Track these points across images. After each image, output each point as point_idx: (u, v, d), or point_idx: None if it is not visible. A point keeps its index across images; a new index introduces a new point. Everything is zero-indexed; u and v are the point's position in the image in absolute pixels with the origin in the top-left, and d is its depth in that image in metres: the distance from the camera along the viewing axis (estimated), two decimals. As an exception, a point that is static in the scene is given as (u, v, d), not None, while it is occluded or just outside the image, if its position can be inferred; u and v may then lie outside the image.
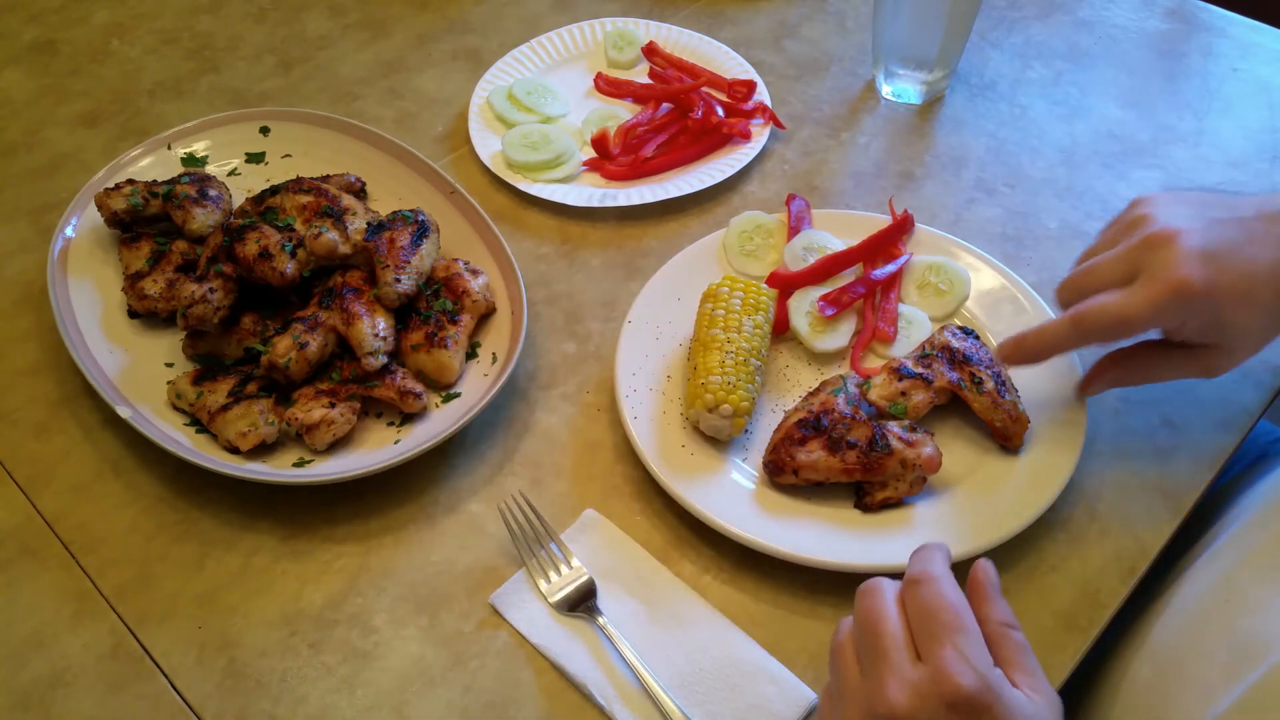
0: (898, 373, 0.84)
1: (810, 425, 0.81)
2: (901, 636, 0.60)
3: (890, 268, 0.95)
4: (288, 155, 1.06)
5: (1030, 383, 0.86)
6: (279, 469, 0.83)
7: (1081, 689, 0.81)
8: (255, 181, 1.03)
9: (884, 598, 0.61)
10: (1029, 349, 0.80)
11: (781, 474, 0.80)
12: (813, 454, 0.79)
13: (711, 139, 1.09)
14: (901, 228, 0.98)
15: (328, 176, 1.00)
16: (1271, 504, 0.83)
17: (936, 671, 0.57)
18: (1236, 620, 0.73)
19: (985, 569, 0.63)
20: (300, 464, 0.83)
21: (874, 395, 0.84)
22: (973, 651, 0.57)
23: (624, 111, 1.13)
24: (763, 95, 1.13)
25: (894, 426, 0.81)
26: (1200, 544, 0.83)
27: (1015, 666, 0.59)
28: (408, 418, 0.87)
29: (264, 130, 1.07)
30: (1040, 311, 0.91)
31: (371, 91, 1.18)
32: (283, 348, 0.85)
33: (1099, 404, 0.88)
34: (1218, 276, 0.72)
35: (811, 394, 0.85)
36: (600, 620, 0.75)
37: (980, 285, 0.94)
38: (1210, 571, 0.79)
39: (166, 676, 0.75)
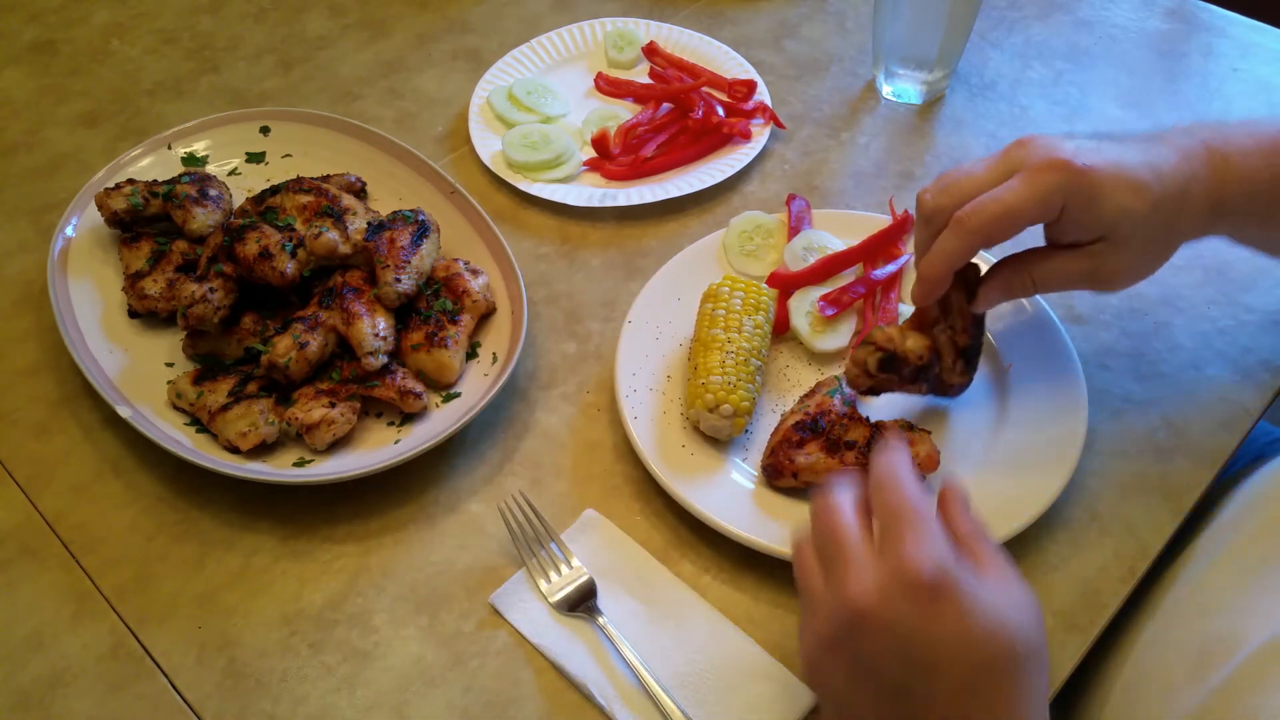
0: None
1: (807, 427, 0.81)
2: (859, 534, 0.61)
3: (890, 268, 0.95)
4: (288, 155, 1.06)
5: (1030, 383, 0.86)
6: (279, 469, 0.83)
7: (1081, 689, 0.81)
8: (255, 181, 1.03)
9: (836, 497, 0.63)
10: (927, 277, 0.76)
11: (780, 477, 0.80)
12: (811, 456, 0.79)
13: (711, 139, 1.09)
14: (902, 228, 0.98)
15: (328, 176, 1.00)
16: (1245, 505, 0.83)
17: (897, 562, 0.57)
18: (1205, 621, 0.73)
19: (953, 485, 0.65)
20: (300, 464, 0.83)
21: (910, 345, 0.81)
22: (932, 543, 0.58)
23: (624, 111, 1.13)
24: (763, 95, 1.13)
25: (892, 426, 0.81)
26: (1182, 545, 0.84)
27: (986, 565, 0.60)
28: (408, 418, 0.87)
29: (264, 130, 1.07)
30: (1040, 311, 0.91)
31: (371, 91, 1.18)
32: (283, 347, 0.85)
33: (1099, 404, 0.88)
34: (1094, 159, 0.71)
35: (807, 395, 0.85)
36: (600, 620, 0.75)
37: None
38: (1186, 572, 0.80)
39: (166, 676, 0.75)
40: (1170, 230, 0.75)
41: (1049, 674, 0.62)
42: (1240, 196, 0.75)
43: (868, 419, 0.81)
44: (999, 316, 0.92)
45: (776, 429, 0.83)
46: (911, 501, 0.60)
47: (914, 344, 0.80)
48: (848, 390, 0.84)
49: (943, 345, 0.81)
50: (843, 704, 0.62)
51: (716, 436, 0.84)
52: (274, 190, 0.96)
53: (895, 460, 0.63)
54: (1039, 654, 0.60)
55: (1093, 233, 0.74)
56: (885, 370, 0.80)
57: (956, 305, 0.80)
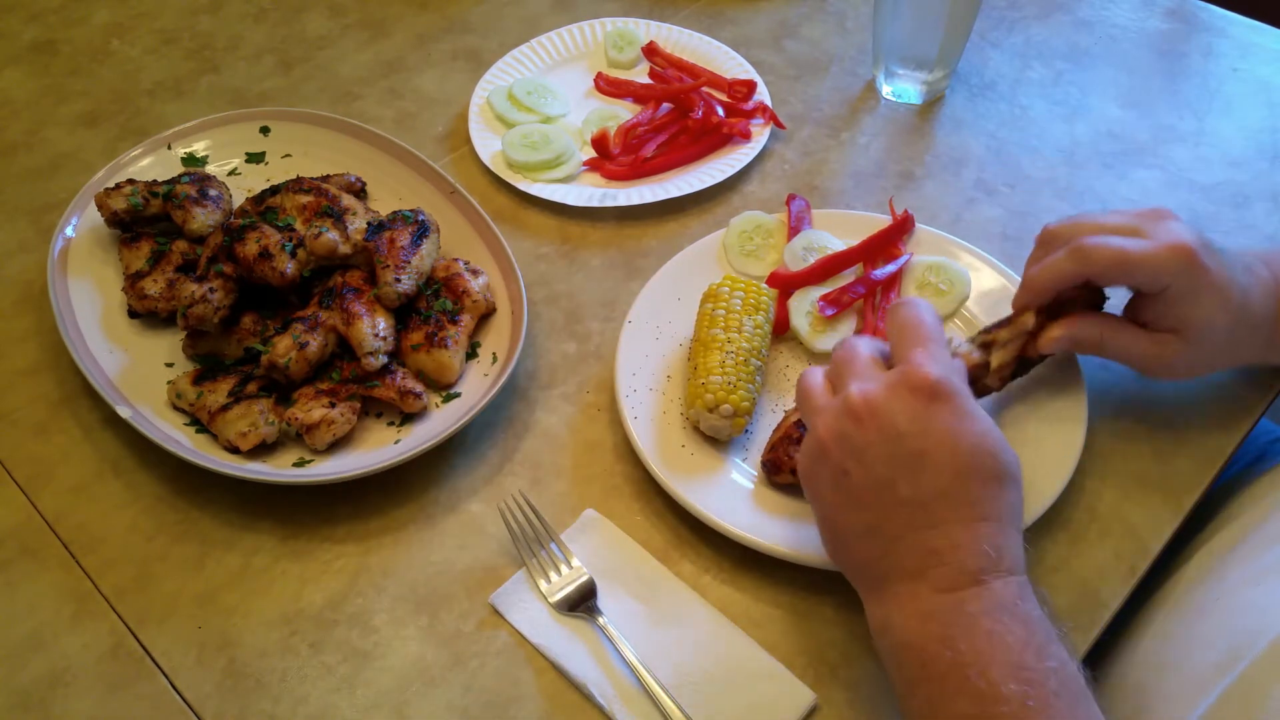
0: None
1: None
2: (871, 358, 0.69)
3: (890, 268, 0.95)
4: (288, 155, 1.06)
5: (1030, 383, 0.86)
6: (279, 469, 0.83)
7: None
8: (255, 181, 1.03)
9: (856, 340, 0.71)
10: (1032, 285, 0.80)
11: (779, 473, 0.80)
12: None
13: (711, 139, 1.09)
14: (901, 228, 0.98)
15: (328, 176, 1.00)
16: (1256, 506, 0.83)
17: (904, 366, 0.66)
18: (1222, 621, 0.73)
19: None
20: (300, 464, 0.83)
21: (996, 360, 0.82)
22: (941, 357, 0.67)
23: (624, 111, 1.13)
24: (763, 95, 1.13)
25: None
26: (1193, 544, 0.84)
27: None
28: (408, 418, 0.87)
29: (264, 130, 1.07)
30: (1040, 311, 0.91)
31: (371, 91, 1.18)
32: (283, 348, 0.85)
33: (1099, 404, 0.88)
34: (1210, 261, 0.75)
35: None
36: (600, 620, 0.75)
37: (980, 285, 0.94)
38: (1197, 573, 0.80)
39: (166, 676, 0.75)
40: (1233, 351, 0.82)
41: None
42: None
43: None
44: (999, 316, 0.92)
45: (779, 425, 0.83)
46: (927, 324, 0.69)
47: (998, 360, 0.81)
48: None
49: (1006, 355, 0.81)
50: (829, 509, 0.69)
51: (716, 436, 0.84)
52: (274, 190, 0.96)
53: (917, 301, 0.71)
54: (1019, 483, 0.66)
55: (1171, 323, 0.78)
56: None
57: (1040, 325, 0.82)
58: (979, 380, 0.81)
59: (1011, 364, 0.81)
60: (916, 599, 0.63)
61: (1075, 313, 0.80)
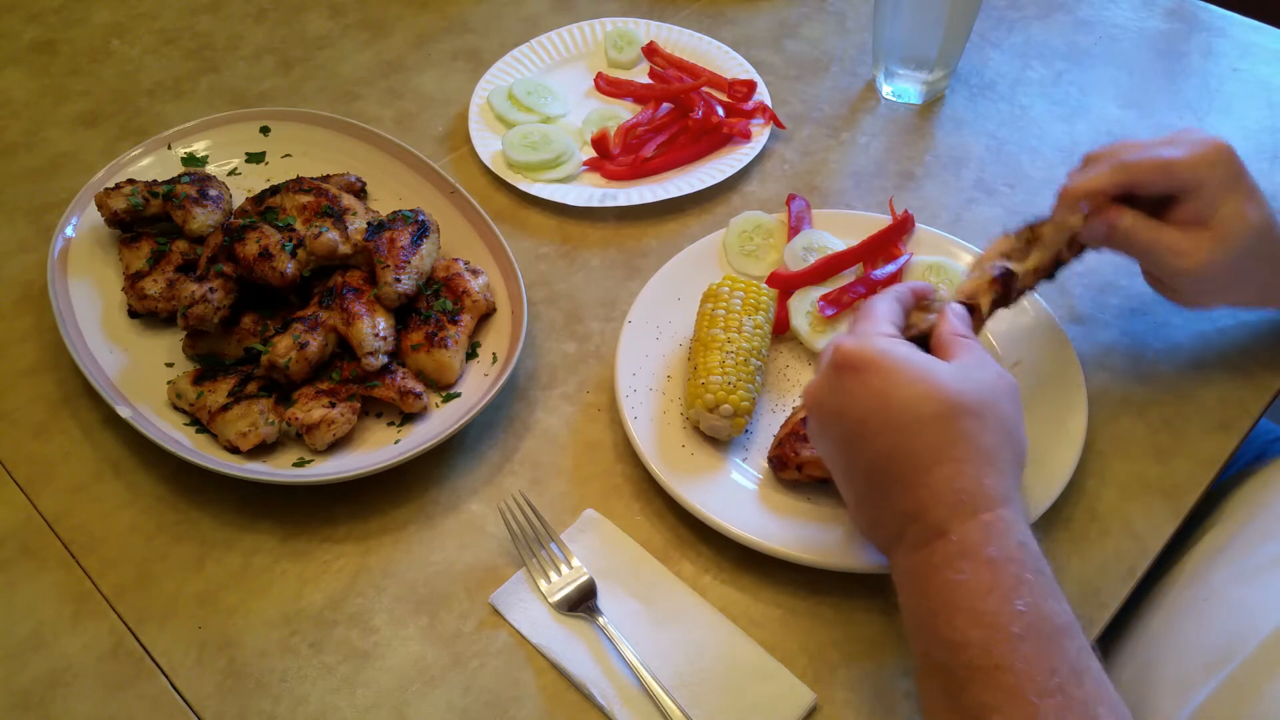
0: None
1: None
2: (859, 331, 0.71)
3: (890, 268, 0.95)
4: (288, 155, 1.06)
5: (1030, 383, 0.86)
6: (279, 469, 0.83)
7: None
8: (255, 181, 1.03)
9: (867, 307, 0.73)
10: (1069, 193, 0.81)
11: (785, 469, 0.80)
12: (817, 451, 0.79)
13: (711, 139, 1.09)
14: (901, 228, 0.98)
15: (328, 176, 1.00)
16: (1245, 505, 0.83)
17: (831, 347, 0.68)
18: (1210, 621, 0.73)
19: (954, 309, 0.74)
20: (300, 464, 0.83)
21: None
22: (866, 329, 0.69)
23: (624, 111, 1.13)
24: (763, 95, 1.13)
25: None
26: (1187, 544, 0.84)
27: (957, 356, 0.68)
28: (408, 418, 0.87)
29: (264, 130, 1.07)
30: (1040, 311, 0.91)
31: (371, 91, 1.18)
32: (283, 347, 0.85)
33: (1099, 404, 0.88)
34: (1242, 170, 0.80)
35: None
36: (600, 620, 0.75)
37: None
38: (1187, 573, 0.80)
39: (166, 676, 0.75)
40: (1253, 267, 0.81)
41: (1023, 456, 0.67)
42: None
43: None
44: (1000, 317, 0.92)
45: (786, 422, 0.83)
46: (873, 306, 0.71)
47: (1032, 263, 0.81)
48: None
49: (1044, 257, 0.82)
50: (840, 488, 0.71)
51: (716, 436, 0.84)
52: (274, 190, 0.96)
53: (886, 290, 0.75)
54: (985, 409, 0.64)
55: (1206, 217, 0.79)
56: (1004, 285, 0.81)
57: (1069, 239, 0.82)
58: (1010, 283, 0.81)
59: (1049, 265, 0.82)
60: (900, 561, 0.65)
61: (1112, 204, 0.81)
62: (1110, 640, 0.80)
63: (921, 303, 0.77)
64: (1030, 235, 0.82)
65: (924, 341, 0.73)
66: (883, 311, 0.71)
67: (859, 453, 0.66)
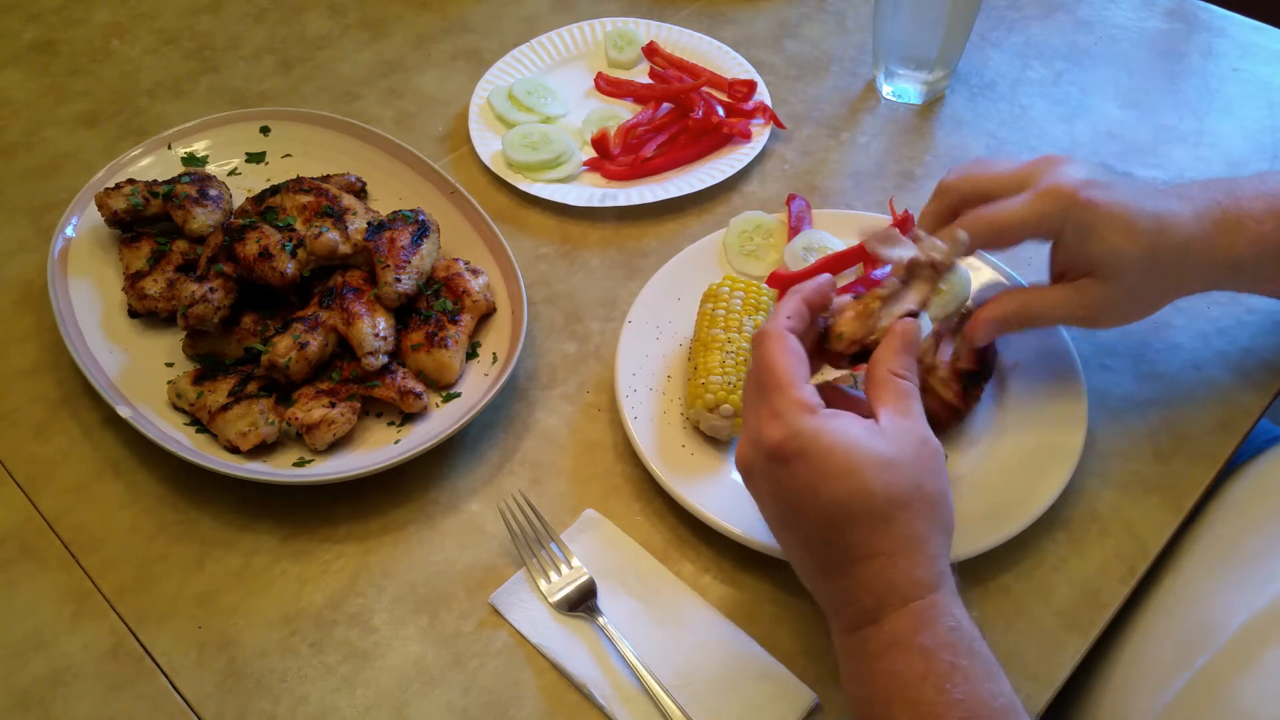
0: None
1: None
2: (758, 396, 0.67)
3: (890, 267, 0.95)
4: (288, 155, 1.06)
5: (1030, 383, 0.86)
6: (279, 469, 0.83)
7: (1082, 689, 0.81)
8: (255, 181, 1.03)
9: (760, 368, 0.68)
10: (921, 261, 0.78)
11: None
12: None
13: (712, 139, 1.09)
14: (902, 228, 0.98)
15: (328, 176, 1.00)
16: (1224, 501, 0.83)
17: (755, 428, 0.65)
18: (1188, 612, 0.73)
19: (907, 326, 0.70)
20: (300, 464, 0.83)
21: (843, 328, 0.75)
22: (784, 406, 0.64)
23: (624, 111, 1.13)
24: (763, 95, 1.13)
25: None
26: (1179, 542, 0.84)
27: (889, 406, 0.66)
28: (408, 418, 0.87)
29: (264, 130, 1.07)
30: (1040, 311, 0.91)
31: (371, 91, 1.18)
32: (283, 347, 0.85)
33: (1099, 404, 0.88)
34: (1098, 194, 0.74)
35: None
36: (600, 620, 0.75)
37: (980, 285, 0.94)
38: (1173, 569, 0.80)
39: (166, 676, 0.75)
40: (1164, 281, 0.78)
41: (950, 527, 0.66)
42: (1251, 259, 0.77)
43: (871, 419, 0.81)
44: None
45: None
46: (770, 363, 0.66)
47: (846, 328, 0.74)
48: (861, 389, 0.84)
49: (940, 376, 0.82)
50: (763, 515, 0.70)
51: (717, 436, 0.84)
52: (274, 190, 0.96)
53: (781, 310, 0.69)
54: (912, 497, 0.63)
55: (1082, 267, 0.76)
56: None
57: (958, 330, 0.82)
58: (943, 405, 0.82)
59: (955, 381, 0.82)
60: (836, 637, 0.66)
61: (999, 298, 0.79)
62: (1106, 642, 0.80)
63: (820, 307, 0.72)
64: (904, 277, 0.76)
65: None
66: (792, 371, 0.65)
67: (792, 532, 0.66)
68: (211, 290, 0.87)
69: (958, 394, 0.82)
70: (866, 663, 0.62)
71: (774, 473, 0.64)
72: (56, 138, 1.12)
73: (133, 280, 0.92)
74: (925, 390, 0.82)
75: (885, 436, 0.64)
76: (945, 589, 0.63)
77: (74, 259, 0.95)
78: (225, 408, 0.84)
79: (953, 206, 0.79)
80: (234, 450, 0.83)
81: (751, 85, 1.14)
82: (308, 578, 0.79)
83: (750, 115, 1.11)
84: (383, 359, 0.86)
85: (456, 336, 0.89)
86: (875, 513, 0.62)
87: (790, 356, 0.66)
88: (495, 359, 0.90)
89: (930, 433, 0.65)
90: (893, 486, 0.62)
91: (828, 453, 0.62)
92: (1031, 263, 1.00)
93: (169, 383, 0.87)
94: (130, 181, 0.97)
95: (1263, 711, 0.63)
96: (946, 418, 0.83)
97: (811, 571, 0.66)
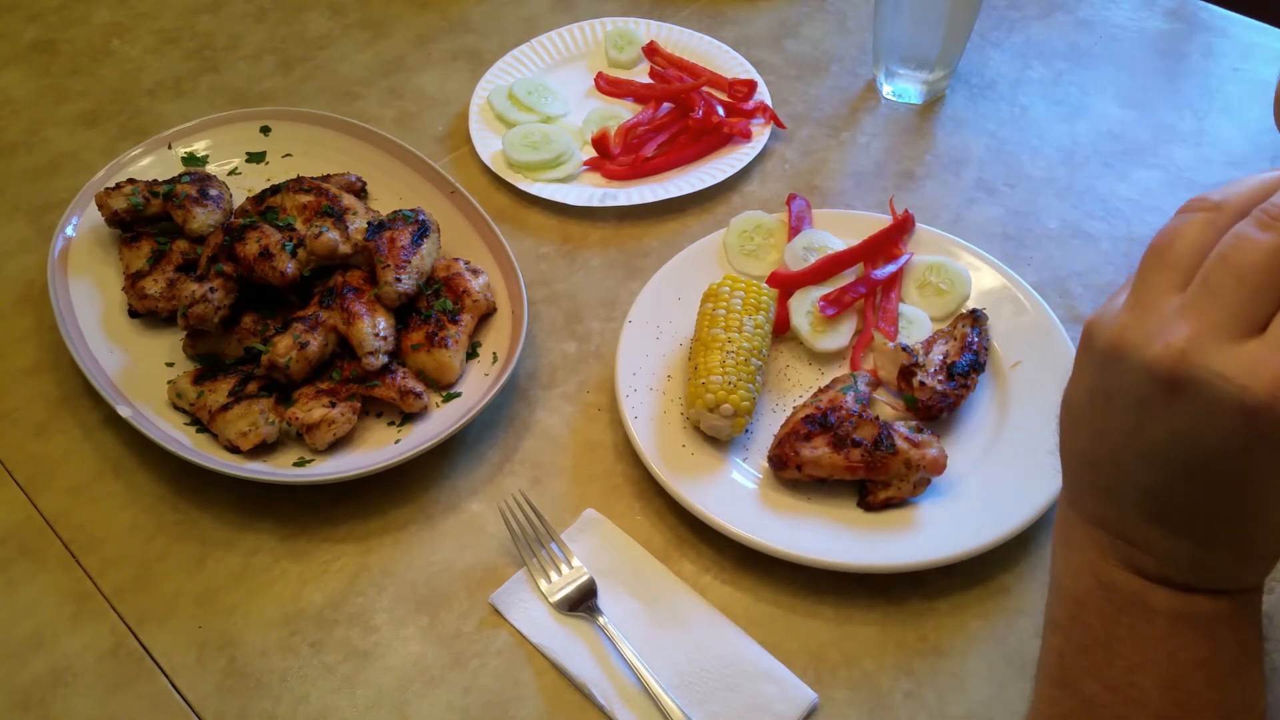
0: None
1: (817, 421, 0.81)
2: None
3: (891, 267, 0.95)
4: (288, 155, 1.06)
5: (1031, 382, 0.86)
6: (279, 469, 0.83)
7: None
8: (256, 181, 1.03)
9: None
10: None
11: (785, 468, 0.80)
12: (817, 450, 0.79)
13: (712, 139, 1.09)
14: (902, 227, 0.98)
15: (328, 176, 1.00)
16: None
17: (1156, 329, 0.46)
18: None
19: None
20: (300, 464, 0.83)
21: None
22: (1216, 323, 0.45)
23: (624, 111, 1.13)
24: (763, 95, 1.13)
25: (900, 426, 0.81)
26: None
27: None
28: (408, 417, 0.87)
29: (264, 130, 1.06)
30: (1040, 311, 0.91)
31: (372, 91, 1.18)
32: (283, 347, 0.85)
33: (1099, 404, 0.88)
34: None
35: (821, 390, 0.85)
36: (600, 620, 0.75)
37: (980, 285, 0.94)
38: None
39: (166, 676, 0.74)
40: None
41: None
42: None
43: (876, 418, 0.81)
44: (999, 316, 0.92)
45: (787, 421, 0.83)
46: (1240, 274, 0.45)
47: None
48: (862, 389, 0.85)
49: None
50: (1102, 434, 0.52)
51: (717, 436, 0.83)
52: (274, 190, 0.96)
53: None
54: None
55: None
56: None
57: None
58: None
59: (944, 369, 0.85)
60: (1099, 558, 0.53)
61: None
62: None
63: None
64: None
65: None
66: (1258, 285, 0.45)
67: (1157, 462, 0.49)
68: (212, 290, 0.87)
69: (944, 383, 0.84)
70: (1141, 616, 0.51)
71: (1146, 407, 0.47)
72: (57, 137, 1.12)
73: (133, 280, 0.92)
74: (915, 385, 0.84)
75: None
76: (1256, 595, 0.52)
77: (74, 259, 0.95)
78: (225, 407, 0.84)
79: None
80: (234, 450, 0.83)
81: (752, 85, 1.14)
82: (308, 577, 0.79)
83: (750, 115, 1.11)
84: (383, 359, 0.86)
85: (457, 336, 0.89)
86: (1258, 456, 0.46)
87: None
88: (495, 359, 0.90)
89: None
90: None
91: (1224, 382, 0.44)
92: (1032, 261, 1.01)
93: (169, 383, 0.87)
94: (130, 181, 0.97)
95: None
96: (936, 408, 0.84)
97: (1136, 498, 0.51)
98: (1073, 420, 0.54)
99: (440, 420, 0.86)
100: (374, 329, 0.86)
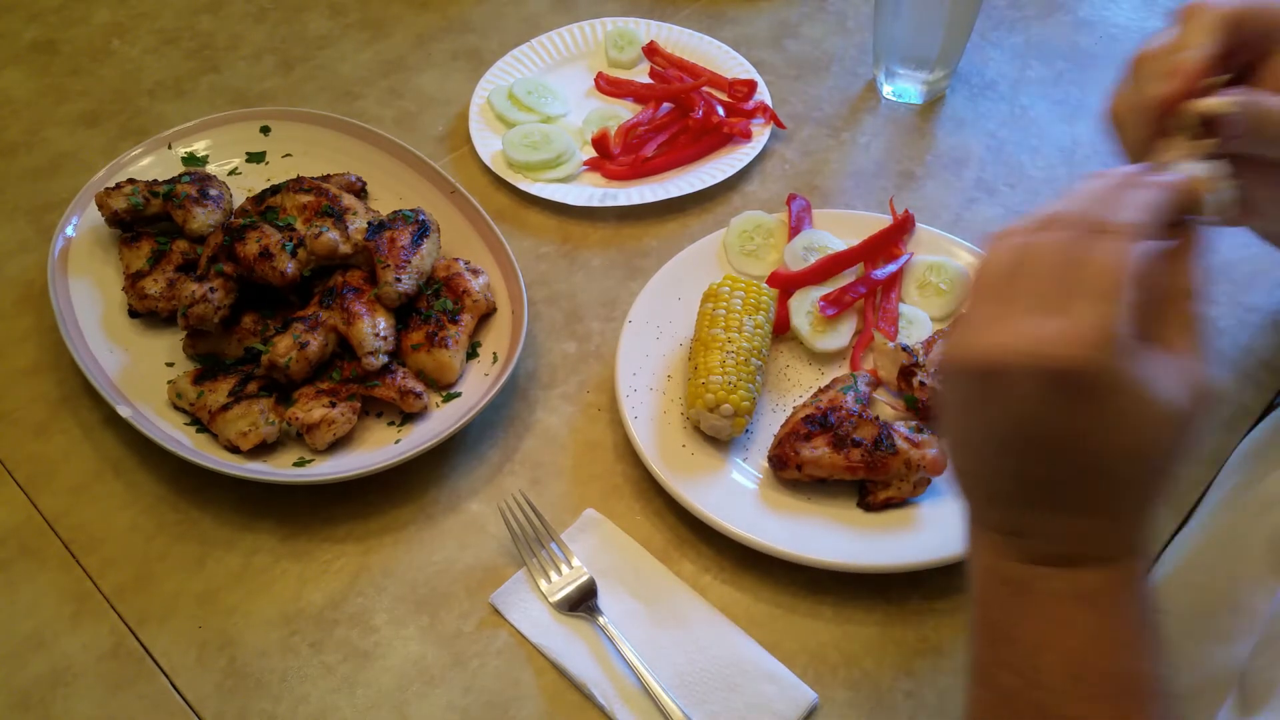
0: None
1: (817, 421, 0.81)
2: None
3: (891, 267, 0.95)
4: (288, 155, 1.06)
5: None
6: (279, 469, 0.83)
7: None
8: (256, 181, 1.03)
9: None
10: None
11: (785, 468, 0.80)
12: (817, 450, 0.79)
13: (712, 139, 1.09)
14: (902, 227, 0.98)
15: (328, 176, 1.00)
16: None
17: (1058, 333, 0.49)
18: (1185, 614, 0.73)
19: (1199, 236, 0.54)
20: (300, 464, 0.83)
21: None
22: (1112, 317, 0.48)
23: (624, 111, 1.13)
24: (763, 95, 1.13)
25: (900, 426, 0.81)
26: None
27: (1175, 337, 0.52)
28: (408, 417, 0.87)
29: (265, 130, 1.06)
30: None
31: (372, 91, 1.17)
32: (283, 347, 0.85)
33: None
34: None
35: (822, 390, 0.85)
36: (600, 620, 0.75)
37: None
38: (1169, 567, 0.80)
39: (167, 676, 0.75)
40: None
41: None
42: None
43: (876, 418, 0.81)
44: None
45: (787, 420, 0.83)
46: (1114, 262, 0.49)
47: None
48: (862, 389, 0.85)
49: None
50: (965, 442, 0.56)
51: (717, 436, 0.84)
52: (274, 190, 0.96)
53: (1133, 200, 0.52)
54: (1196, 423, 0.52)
55: None
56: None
57: None
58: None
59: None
60: (997, 559, 0.56)
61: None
62: None
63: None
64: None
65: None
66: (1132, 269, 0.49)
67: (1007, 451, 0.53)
68: (212, 290, 0.87)
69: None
70: (1034, 600, 0.54)
71: (1061, 415, 0.50)
72: (57, 137, 1.12)
73: (133, 280, 0.92)
74: (915, 385, 0.85)
75: (1186, 359, 0.52)
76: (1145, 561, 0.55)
77: (74, 259, 0.95)
78: (225, 407, 0.84)
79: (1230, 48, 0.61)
80: (234, 450, 0.83)
81: (752, 85, 1.14)
82: (308, 577, 0.79)
83: (750, 115, 1.11)
84: (383, 359, 0.86)
85: (457, 336, 0.89)
86: (1173, 457, 0.52)
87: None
88: (495, 359, 0.90)
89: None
90: (1194, 414, 0.51)
91: (1146, 387, 0.49)
92: (1032, 263, 1.00)
93: (169, 382, 0.87)
94: (130, 181, 0.97)
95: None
96: (936, 408, 0.84)
97: (1009, 490, 0.54)
98: (951, 443, 0.58)
99: (440, 420, 0.86)
100: (374, 329, 0.86)
